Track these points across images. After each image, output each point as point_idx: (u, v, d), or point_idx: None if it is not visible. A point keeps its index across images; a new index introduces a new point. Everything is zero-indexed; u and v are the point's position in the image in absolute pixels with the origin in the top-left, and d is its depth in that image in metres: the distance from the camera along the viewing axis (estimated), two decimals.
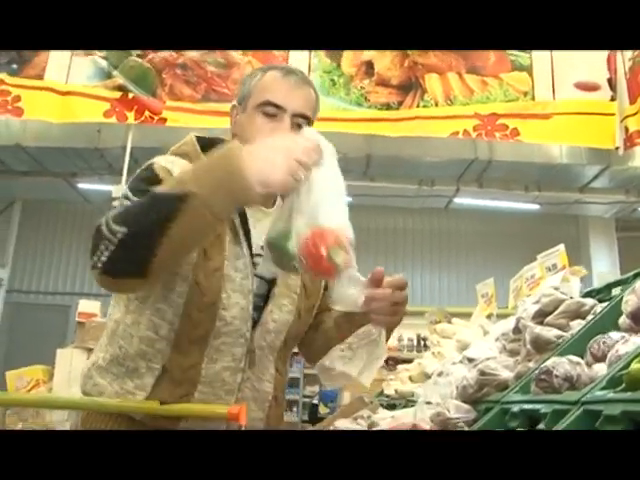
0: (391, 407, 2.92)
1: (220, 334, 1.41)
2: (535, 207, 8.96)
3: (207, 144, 1.45)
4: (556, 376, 1.43)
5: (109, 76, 5.85)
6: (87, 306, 5.97)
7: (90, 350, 5.69)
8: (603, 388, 1.23)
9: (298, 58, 5.79)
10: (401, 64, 5.82)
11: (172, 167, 1.38)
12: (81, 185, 8.87)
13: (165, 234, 1.15)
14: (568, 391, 1.37)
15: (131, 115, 5.70)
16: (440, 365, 2.50)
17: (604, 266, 9.27)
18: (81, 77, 5.85)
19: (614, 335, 1.54)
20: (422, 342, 8.73)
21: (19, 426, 4.01)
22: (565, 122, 5.75)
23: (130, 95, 5.74)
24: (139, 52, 5.88)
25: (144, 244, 1.17)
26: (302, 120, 1.44)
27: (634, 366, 1.13)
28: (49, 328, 9.72)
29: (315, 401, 8.00)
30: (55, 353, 5.86)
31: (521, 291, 2.91)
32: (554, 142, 6.39)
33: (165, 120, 5.72)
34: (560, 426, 1.20)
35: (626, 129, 5.66)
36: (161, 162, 1.40)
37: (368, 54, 5.82)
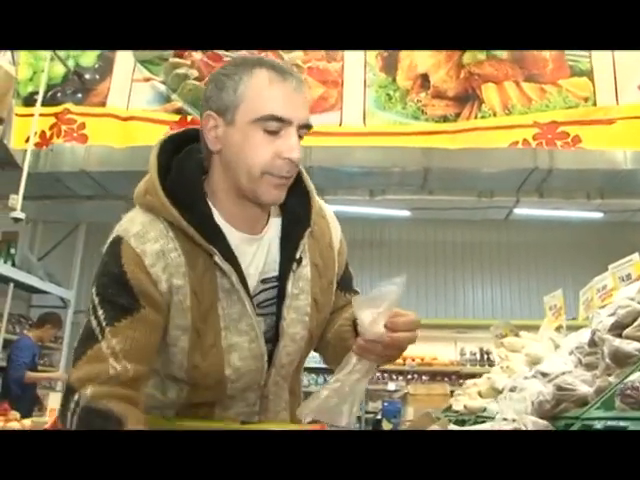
0: (460, 423, 2.87)
1: (232, 393, 1.33)
2: (599, 215, 8.71)
3: (174, 175, 1.29)
4: None
5: (168, 100, 5.98)
6: None
7: None
8: None
9: (354, 73, 5.81)
10: (457, 76, 5.76)
11: (142, 247, 1.23)
12: None
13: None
14: None
15: None
16: (511, 380, 2.45)
17: None
18: (141, 102, 6.00)
19: None
20: (486, 356, 8.59)
21: None
22: (629, 127, 5.59)
23: (189, 118, 5.85)
24: (196, 75, 5.99)
25: None
26: (305, 132, 1.26)
27: None
28: None
29: (378, 416, 7.93)
30: None
31: (592, 302, 2.83)
32: (618, 148, 6.23)
33: None
34: None
35: None
36: (130, 238, 1.25)
37: (423, 67, 5.79)
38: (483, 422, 2.44)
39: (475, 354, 8.71)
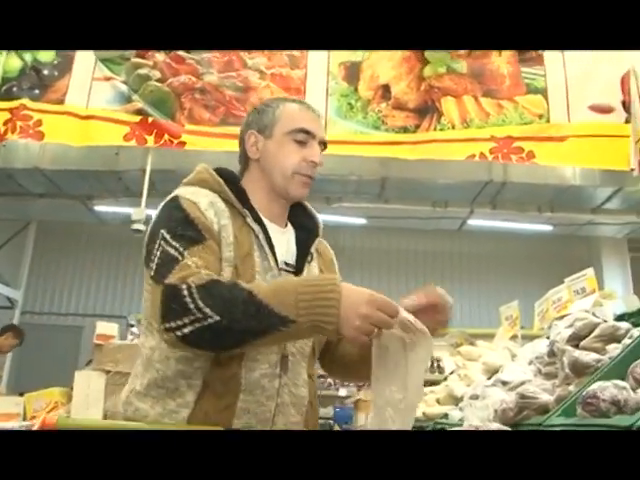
0: (418, 429, 2.93)
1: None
2: (548, 228, 8.98)
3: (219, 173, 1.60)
4: (603, 400, 1.46)
5: (129, 100, 5.91)
6: (105, 328, 5.95)
7: (108, 372, 5.72)
8: None
9: (316, 81, 5.86)
10: (417, 88, 5.88)
11: (197, 199, 1.50)
12: (97, 207, 8.94)
13: (256, 341, 1.30)
14: (617, 415, 1.40)
15: (150, 139, 5.77)
16: (471, 388, 2.53)
17: (617, 286, 9.25)
18: (101, 101, 5.91)
19: None
20: (436, 363, 8.70)
21: None
22: (580, 144, 5.79)
23: (150, 119, 5.80)
24: (158, 76, 5.95)
25: (233, 338, 1.30)
26: (323, 148, 1.65)
27: None
28: (61, 349, 9.75)
29: (330, 422, 7.99)
30: (69, 374, 5.87)
31: (547, 314, 2.94)
32: (569, 164, 6.44)
33: (184, 144, 5.78)
34: None
35: None
36: (185, 195, 1.51)
37: (385, 78, 5.89)
38: (442, 429, 2.51)
39: (432, 362, 8.81)
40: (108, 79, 5.94)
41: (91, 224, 9.96)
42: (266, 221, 1.58)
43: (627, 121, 5.77)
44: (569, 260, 9.55)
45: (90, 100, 5.89)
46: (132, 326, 8.90)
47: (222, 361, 1.44)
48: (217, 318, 1.25)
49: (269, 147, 1.61)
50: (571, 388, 1.78)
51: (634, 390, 1.51)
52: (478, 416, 1.88)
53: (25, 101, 5.84)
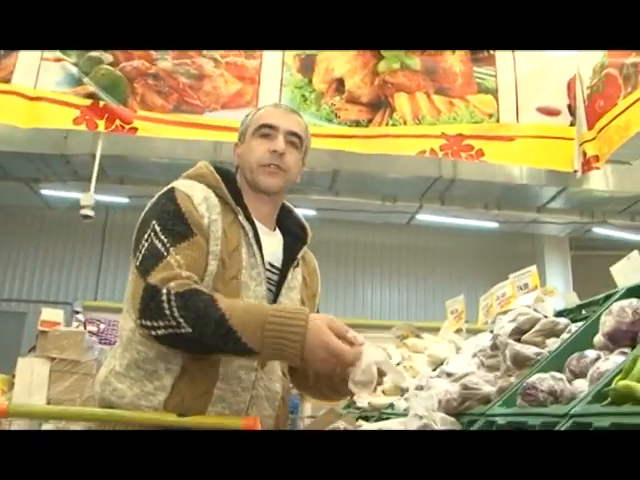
0: (364, 419, 2.99)
1: None
2: (494, 225, 9.20)
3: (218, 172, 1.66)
4: (541, 390, 1.53)
5: (79, 83, 5.79)
6: (50, 314, 5.89)
7: (53, 359, 5.64)
8: (589, 402, 1.33)
9: (271, 72, 5.86)
10: (371, 82, 5.93)
11: (192, 192, 1.56)
12: (44, 191, 8.74)
13: (224, 355, 1.43)
14: (554, 405, 1.47)
15: (101, 123, 5.67)
16: (417, 379, 2.60)
17: (558, 283, 9.55)
18: (50, 83, 5.77)
19: (590, 353, 1.65)
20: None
21: None
22: (527, 145, 5.94)
23: (101, 103, 5.70)
24: (111, 60, 5.85)
25: (203, 350, 1.40)
26: (295, 139, 1.69)
27: (620, 383, 1.23)
28: (3, 336, 9.52)
29: None
30: (10, 361, 5.78)
31: (492, 308, 3.03)
32: (517, 163, 6.60)
33: (136, 129, 5.70)
34: None
35: (584, 153, 5.88)
36: (180, 187, 1.57)
37: (339, 71, 5.92)
38: (387, 418, 2.57)
39: None
40: (58, 60, 5.80)
41: (37, 208, 9.75)
42: (256, 222, 1.64)
43: (572, 124, 5.96)
44: (514, 257, 9.80)
45: (38, 81, 5.74)
46: (78, 313, 8.77)
47: None
48: (189, 330, 1.34)
49: (242, 150, 1.70)
50: (512, 379, 1.85)
51: (570, 382, 1.59)
52: (423, 406, 1.94)
53: None
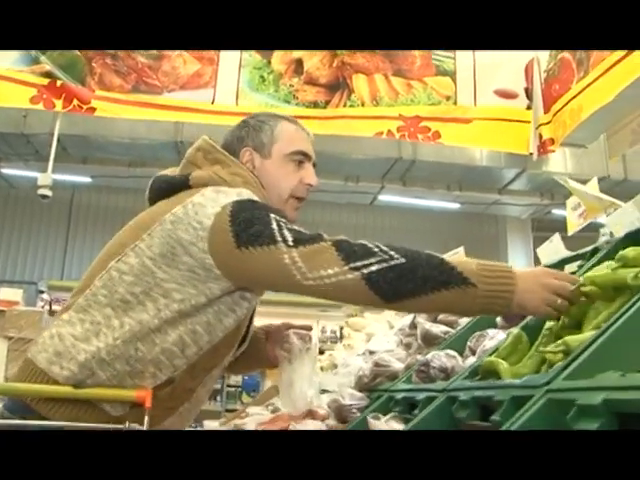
0: None
1: (222, 364, 1.59)
2: (456, 206, 9.31)
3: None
4: (433, 367, 1.61)
5: (36, 61, 5.74)
6: (8, 294, 5.92)
7: (10, 338, 5.67)
8: (465, 378, 1.41)
9: (230, 53, 5.85)
10: (330, 64, 5.96)
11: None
12: (5, 170, 8.68)
13: (432, 291, 1.30)
14: (440, 381, 1.56)
15: (59, 103, 5.64)
16: (346, 357, 2.69)
17: (520, 264, 9.72)
18: (6, 61, 5.71)
19: (491, 332, 1.73)
20: (334, 334, 8.98)
21: None
22: (484, 127, 6.02)
23: (58, 82, 5.67)
24: None
25: (414, 283, 1.30)
26: (314, 167, 1.71)
27: (486, 359, 1.32)
28: None
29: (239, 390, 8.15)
30: None
31: None
32: (473, 145, 6.66)
33: (94, 109, 5.68)
34: (428, 410, 1.38)
35: (540, 136, 5.96)
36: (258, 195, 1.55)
37: (298, 52, 5.93)
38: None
39: (335, 332, 9.06)
40: None
41: (0, 187, 9.67)
42: None
43: (529, 107, 6.04)
44: (478, 238, 9.95)
45: None
46: (42, 292, 8.75)
47: (195, 372, 1.50)
48: (402, 260, 1.31)
49: (267, 167, 1.64)
50: (419, 357, 1.93)
51: (466, 358, 1.67)
52: (339, 382, 2.02)
53: None
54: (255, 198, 1.50)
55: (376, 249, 1.34)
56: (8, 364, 5.51)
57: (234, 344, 1.57)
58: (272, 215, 1.42)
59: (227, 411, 8.06)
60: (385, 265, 1.31)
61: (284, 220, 1.42)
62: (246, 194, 1.49)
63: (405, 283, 1.30)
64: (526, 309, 1.31)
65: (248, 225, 1.38)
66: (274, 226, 1.39)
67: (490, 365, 1.28)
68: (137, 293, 1.43)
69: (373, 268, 1.31)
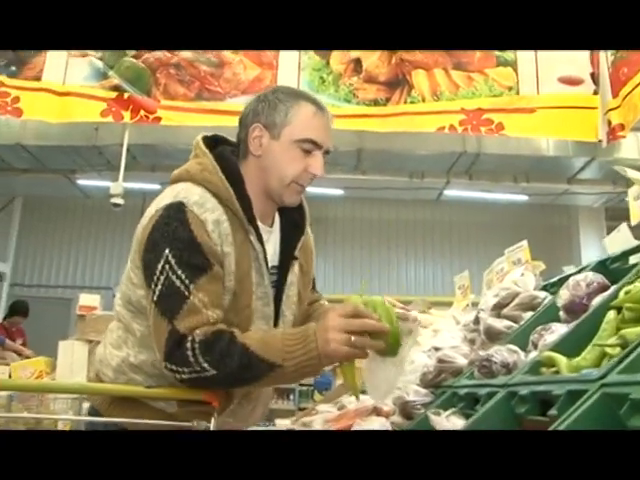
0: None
1: None
2: (524, 198, 9.12)
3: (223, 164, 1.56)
4: (495, 363, 1.61)
5: (105, 77, 5.99)
6: (87, 300, 6.15)
7: (91, 342, 5.90)
8: (525, 372, 1.41)
9: (289, 56, 5.94)
10: (388, 61, 5.96)
11: (204, 215, 1.47)
12: (80, 181, 9.04)
13: (247, 386, 1.48)
14: (502, 376, 1.56)
15: (127, 114, 5.86)
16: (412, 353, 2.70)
17: (594, 254, 9.45)
18: (78, 78, 5.99)
19: (554, 326, 1.72)
20: None
21: (24, 413, 4.24)
22: (549, 116, 5.89)
23: (126, 95, 5.88)
24: (134, 52, 6.02)
25: (225, 386, 1.46)
26: (326, 155, 1.59)
27: (544, 354, 1.32)
28: (51, 321, 9.89)
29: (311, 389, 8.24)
30: (57, 345, 6.06)
31: (492, 283, 3.08)
32: (538, 135, 6.55)
33: (160, 119, 5.88)
34: (488, 405, 1.39)
35: (609, 122, 5.79)
36: (190, 205, 1.47)
37: (356, 52, 5.96)
38: None
39: None
40: (84, 55, 6.01)
41: (75, 197, 10.08)
42: (257, 220, 1.57)
43: (595, 93, 5.88)
44: (549, 229, 9.72)
45: (67, 77, 5.97)
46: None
47: None
48: (214, 372, 1.37)
49: (274, 148, 1.55)
50: (481, 353, 1.93)
51: (529, 353, 1.67)
52: (406, 379, 2.04)
53: (2, 78, 5.92)
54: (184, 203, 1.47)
55: (192, 359, 1.37)
56: (89, 366, 5.73)
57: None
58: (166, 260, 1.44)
59: (300, 409, 8.17)
60: (196, 376, 1.38)
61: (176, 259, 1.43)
62: (176, 201, 1.48)
63: (217, 387, 1.44)
64: (334, 360, 1.41)
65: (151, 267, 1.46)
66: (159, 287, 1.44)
67: (549, 359, 1.28)
68: (139, 306, 1.53)
69: (184, 377, 1.39)
